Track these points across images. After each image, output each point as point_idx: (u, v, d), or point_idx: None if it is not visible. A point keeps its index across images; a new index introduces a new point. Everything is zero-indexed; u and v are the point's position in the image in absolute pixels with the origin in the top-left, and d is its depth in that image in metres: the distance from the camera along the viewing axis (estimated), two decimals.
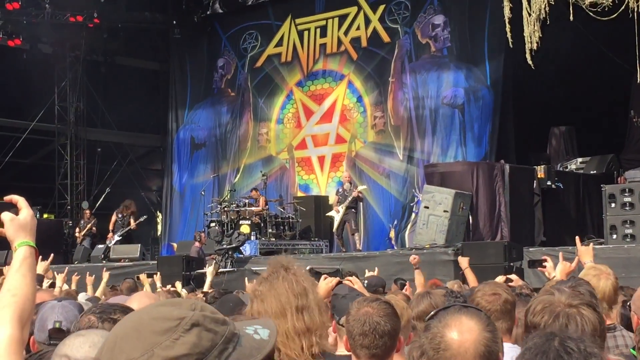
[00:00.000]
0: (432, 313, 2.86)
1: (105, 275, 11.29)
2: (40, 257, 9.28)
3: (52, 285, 9.44)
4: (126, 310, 3.73)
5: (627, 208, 15.17)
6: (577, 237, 7.02)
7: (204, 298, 9.30)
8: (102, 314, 3.65)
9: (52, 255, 10.10)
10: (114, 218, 22.66)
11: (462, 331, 2.75)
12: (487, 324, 2.81)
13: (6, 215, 2.92)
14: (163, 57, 28.67)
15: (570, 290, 3.19)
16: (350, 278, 6.38)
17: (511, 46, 15.58)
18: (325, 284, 5.80)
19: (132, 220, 22.48)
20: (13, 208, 2.97)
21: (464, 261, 9.32)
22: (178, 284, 12.00)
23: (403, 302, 4.61)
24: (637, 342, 4.19)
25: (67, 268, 10.93)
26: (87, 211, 23.93)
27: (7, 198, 2.98)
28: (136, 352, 1.71)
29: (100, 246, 21.63)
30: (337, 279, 5.83)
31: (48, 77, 26.06)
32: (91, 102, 26.80)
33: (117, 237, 22.05)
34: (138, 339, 1.72)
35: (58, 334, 3.45)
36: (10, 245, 2.98)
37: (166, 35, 27.77)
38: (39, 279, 8.93)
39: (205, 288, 11.38)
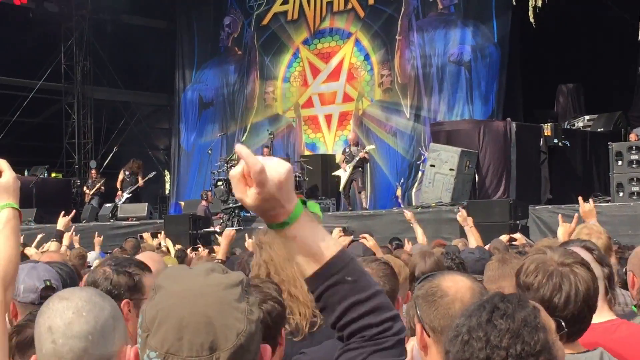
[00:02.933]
0: (422, 277, 2.90)
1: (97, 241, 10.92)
2: (63, 212, 9.30)
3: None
4: (140, 264, 3.72)
5: (634, 165, 15.13)
6: (579, 197, 7.00)
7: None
8: (118, 267, 3.62)
9: (74, 211, 10.12)
10: (121, 176, 22.70)
11: (455, 281, 2.84)
12: (475, 280, 2.89)
13: None
14: (170, 15, 28.52)
15: (564, 249, 3.20)
16: (365, 235, 6.35)
17: (514, 3, 15.46)
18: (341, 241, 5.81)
19: (140, 178, 22.51)
20: None
21: (465, 218, 8.66)
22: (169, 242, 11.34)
23: (400, 261, 4.62)
24: (638, 299, 4.20)
25: (73, 227, 10.88)
26: (94, 171, 23.92)
27: None
28: (240, 323, 1.76)
29: (107, 205, 21.67)
30: (350, 237, 5.82)
31: (55, 36, 25.97)
32: (98, 61, 26.71)
33: (126, 195, 22.10)
34: (231, 310, 1.76)
35: (49, 292, 3.43)
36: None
37: None
38: (59, 235, 8.89)
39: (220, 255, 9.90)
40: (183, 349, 1.73)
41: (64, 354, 2.21)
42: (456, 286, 2.81)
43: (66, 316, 2.21)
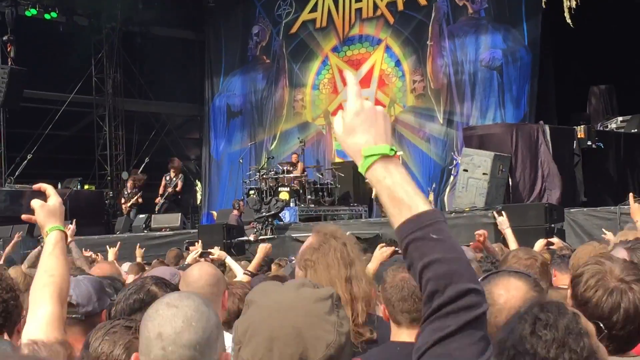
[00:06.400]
0: (483, 276, 2.89)
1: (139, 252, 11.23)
2: (108, 246, 9.71)
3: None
4: (167, 283, 3.83)
5: None
6: (630, 194, 6.94)
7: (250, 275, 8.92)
8: (158, 280, 3.82)
9: (119, 243, 10.51)
10: (163, 182, 22.57)
11: (509, 289, 2.84)
12: (535, 286, 2.89)
13: (36, 202, 3.18)
14: (198, 26, 28.66)
15: (623, 261, 3.16)
16: None
17: (544, 6, 15.38)
18: (380, 253, 5.78)
19: (179, 182, 22.36)
20: (42, 196, 3.24)
21: (503, 222, 8.26)
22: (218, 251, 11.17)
23: None
24: None
25: (119, 243, 11.24)
26: (130, 182, 23.68)
27: (35, 186, 3.26)
28: (330, 335, 1.83)
29: (141, 216, 21.72)
30: (392, 248, 5.79)
31: (85, 49, 26.14)
32: (128, 73, 26.88)
33: (162, 200, 22.04)
34: (320, 323, 1.84)
35: (68, 307, 3.50)
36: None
37: (200, 4, 27.78)
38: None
39: (251, 268, 8.45)
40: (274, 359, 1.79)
41: None
42: (507, 295, 2.83)
43: (176, 325, 2.27)
